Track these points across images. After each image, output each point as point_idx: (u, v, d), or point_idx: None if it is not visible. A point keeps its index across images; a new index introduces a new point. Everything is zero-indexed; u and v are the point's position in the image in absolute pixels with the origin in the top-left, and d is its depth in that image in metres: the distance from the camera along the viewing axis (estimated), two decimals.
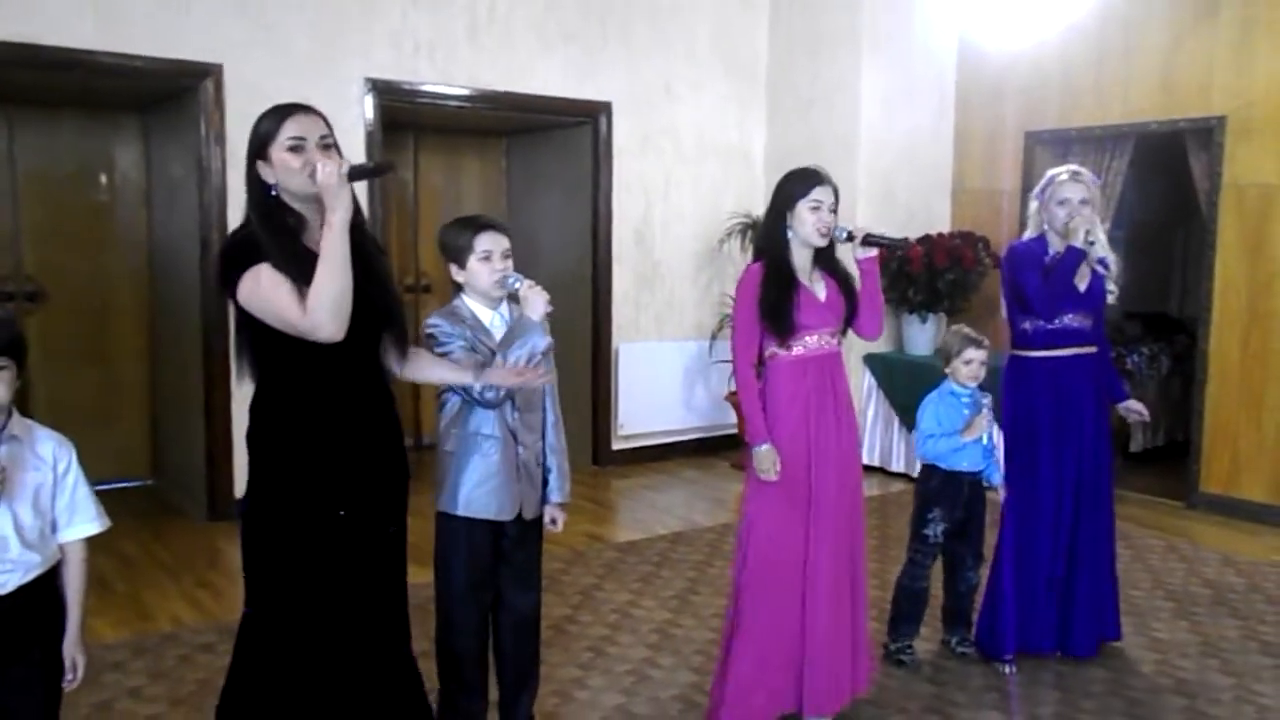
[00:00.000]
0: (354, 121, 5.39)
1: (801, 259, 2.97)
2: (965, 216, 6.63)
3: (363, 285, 2.19)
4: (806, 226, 2.90)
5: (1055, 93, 6.17)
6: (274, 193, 2.17)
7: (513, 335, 2.60)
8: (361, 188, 5.41)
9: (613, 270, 6.40)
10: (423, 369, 2.50)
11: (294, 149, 2.14)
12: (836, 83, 6.42)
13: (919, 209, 6.55)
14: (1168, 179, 6.90)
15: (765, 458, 2.90)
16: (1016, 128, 6.35)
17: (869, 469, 6.37)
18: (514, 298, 2.70)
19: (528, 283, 2.62)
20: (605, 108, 6.24)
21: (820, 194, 2.90)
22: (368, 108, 5.43)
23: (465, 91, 5.74)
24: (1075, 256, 3.39)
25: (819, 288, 2.98)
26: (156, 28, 4.81)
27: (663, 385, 6.49)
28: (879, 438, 6.37)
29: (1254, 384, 5.40)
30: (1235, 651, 3.69)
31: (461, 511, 2.68)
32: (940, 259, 6.09)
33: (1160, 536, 5.11)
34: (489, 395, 2.58)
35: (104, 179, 5.89)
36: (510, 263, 2.68)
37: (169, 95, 5.26)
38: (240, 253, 2.13)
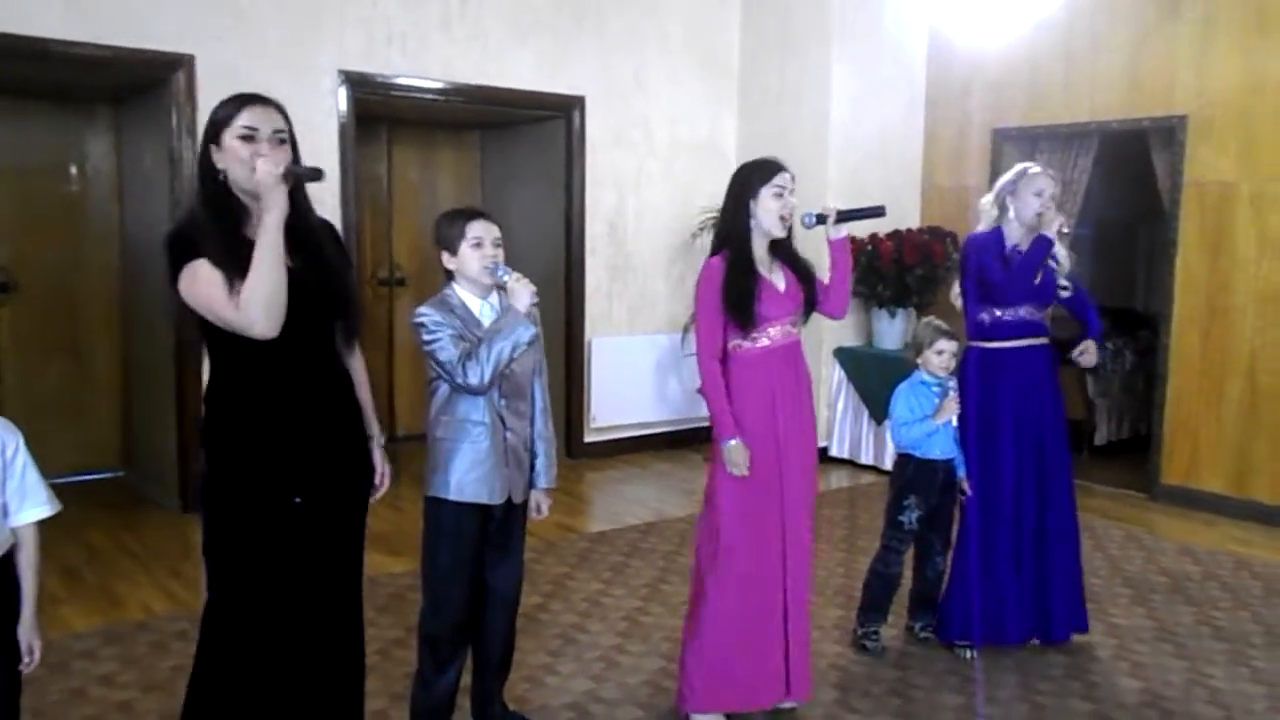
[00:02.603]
0: (327, 114, 5.40)
1: (760, 250, 2.99)
2: (934, 213, 6.71)
3: (308, 272, 2.22)
4: (770, 214, 2.92)
5: (1022, 90, 6.26)
6: (223, 179, 2.19)
7: (498, 327, 2.64)
8: (334, 181, 5.43)
9: (586, 263, 6.45)
10: (358, 380, 2.47)
11: (245, 138, 2.15)
12: (807, 78, 6.49)
13: (888, 204, 6.50)
14: (1132, 177, 6.99)
15: (736, 452, 2.90)
16: (984, 125, 6.44)
17: (839, 461, 6.45)
18: (502, 288, 2.73)
19: (515, 275, 2.66)
20: (578, 102, 6.28)
21: (783, 180, 2.94)
22: (341, 100, 5.43)
23: (438, 84, 5.76)
24: (1045, 245, 3.48)
25: (778, 278, 3.00)
26: (126, 17, 4.80)
27: (635, 378, 6.54)
28: (848, 430, 6.45)
29: (1214, 378, 5.52)
30: (1189, 637, 3.79)
31: (453, 496, 2.72)
32: (910, 255, 6.17)
33: (1121, 527, 5.22)
34: (473, 381, 2.61)
35: (75, 171, 5.86)
36: (501, 252, 2.73)
37: (141, 86, 5.24)
38: (179, 247, 2.15)
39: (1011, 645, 3.62)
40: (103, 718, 3.05)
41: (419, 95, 5.76)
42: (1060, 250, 3.64)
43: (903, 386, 3.64)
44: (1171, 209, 5.66)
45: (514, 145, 6.83)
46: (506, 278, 2.65)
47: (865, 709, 3.19)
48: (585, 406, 6.50)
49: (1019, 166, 3.70)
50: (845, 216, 3.06)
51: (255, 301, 2.06)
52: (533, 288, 2.65)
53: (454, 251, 2.72)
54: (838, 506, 5.52)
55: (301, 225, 2.27)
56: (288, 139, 2.21)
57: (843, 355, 6.44)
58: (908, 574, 3.71)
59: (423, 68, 5.70)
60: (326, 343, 2.34)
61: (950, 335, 3.58)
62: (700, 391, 3.07)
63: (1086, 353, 3.71)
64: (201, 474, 2.30)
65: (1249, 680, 3.43)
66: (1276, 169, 5.24)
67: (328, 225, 2.40)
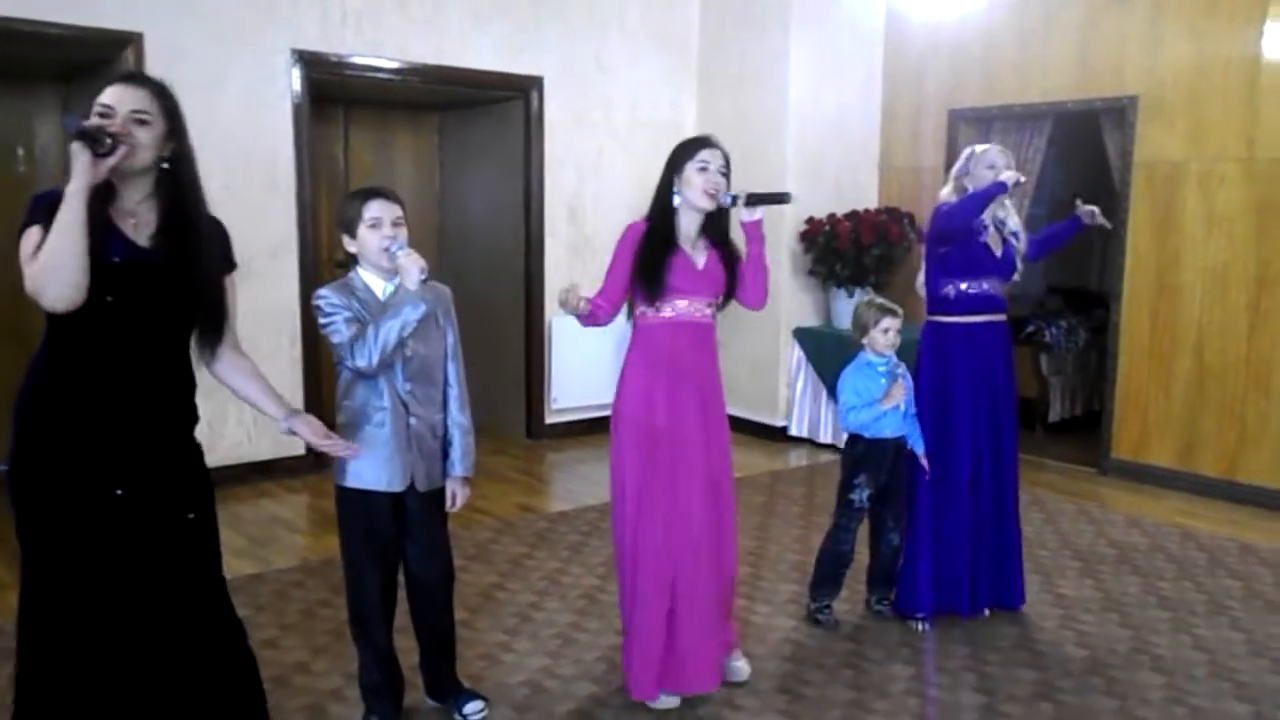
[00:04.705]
0: (281, 94, 5.34)
1: (688, 224, 2.99)
2: (891, 193, 6.77)
3: (168, 262, 2.15)
4: (694, 189, 2.92)
5: (977, 71, 6.31)
6: None
7: (386, 307, 2.58)
8: (289, 162, 5.38)
9: (545, 245, 6.43)
10: (237, 379, 2.37)
11: (101, 115, 2.09)
12: (766, 58, 6.50)
13: (847, 185, 6.67)
14: (1085, 157, 7.10)
15: (566, 295, 2.77)
16: (940, 105, 6.49)
17: (798, 440, 6.50)
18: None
19: (406, 250, 2.58)
20: (537, 82, 6.25)
21: (707, 155, 2.93)
22: (295, 80, 5.37)
23: (395, 64, 5.71)
24: (998, 186, 3.51)
25: (699, 256, 2.99)
26: None
27: (595, 359, 6.53)
28: (807, 410, 6.50)
29: (1163, 355, 5.62)
30: (1135, 606, 3.88)
31: (350, 483, 2.69)
32: (866, 235, 6.22)
33: (1073, 501, 5.31)
34: (360, 363, 2.57)
35: (22, 152, 5.74)
36: (403, 231, 2.65)
37: (88, 65, 5.15)
38: (28, 209, 2.11)
39: (965, 617, 3.68)
40: None
41: (375, 75, 5.70)
42: (1020, 231, 3.75)
43: (849, 369, 3.66)
44: (1122, 188, 5.74)
45: (473, 126, 6.79)
46: (399, 253, 2.57)
47: (818, 680, 3.24)
48: (545, 388, 6.51)
49: (966, 150, 3.78)
50: (754, 200, 2.99)
51: (43, 268, 2.01)
52: (422, 262, 2.56)
53: (353, 234, 2.65)
54: (795, 484, 5.58)
55: (178, 212, 2.18)
56: (152, 120, 2.13)
57: (801, 335, 6.49)
58: (862, 550, 3.76)
59: (378, 47, 5.64)
60: (173, 336, 2.23)
61: (894, 312, 3.60)
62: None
63: (1095, 214, 3.84)
64: (10, 452, 2.15)
65: (1191, 647, 3.52)
66: (1224, 149, 5.33)
67: (215, 224, 2.30)
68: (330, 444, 2.46)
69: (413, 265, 2.54)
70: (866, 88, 6.76)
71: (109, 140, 2.03)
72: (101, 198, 2.09)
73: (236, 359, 2.37)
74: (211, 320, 2.28)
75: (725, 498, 3.07)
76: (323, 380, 5.74)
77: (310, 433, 2.41)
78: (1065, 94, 5.92)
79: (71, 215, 2.01)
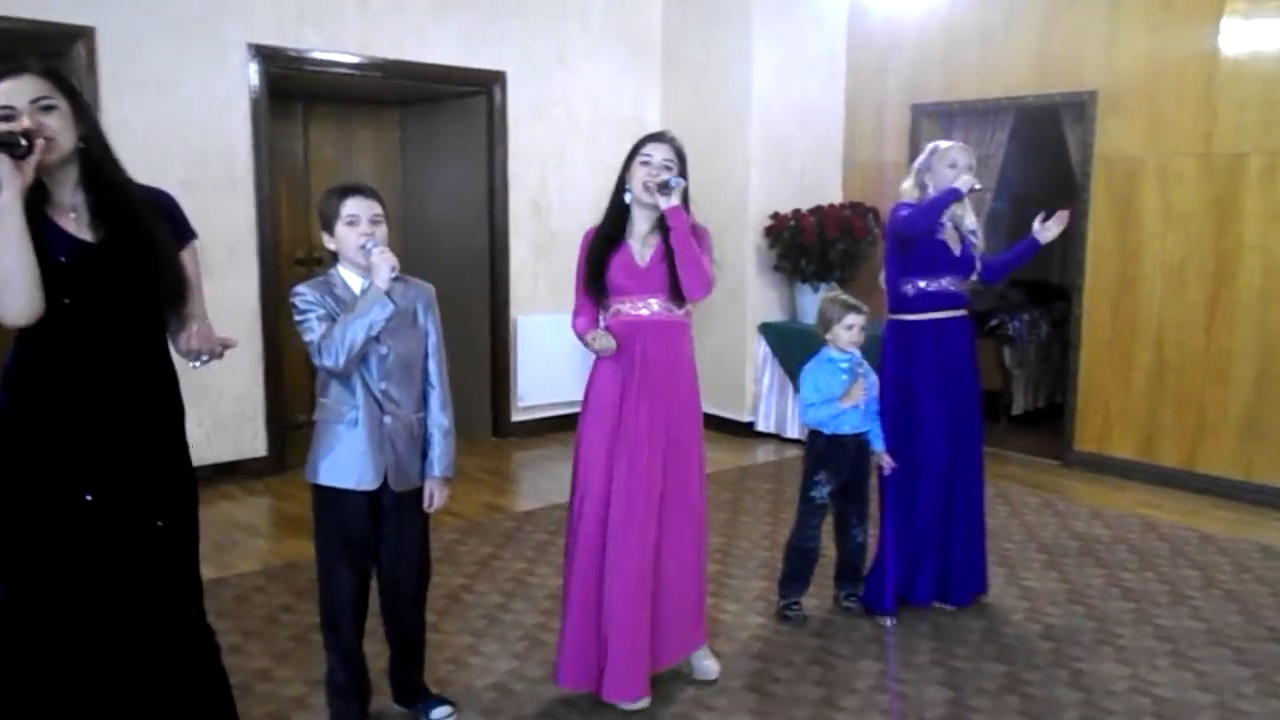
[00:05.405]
0: (237, 89, 5.24)
1: (641, 221, 2.97)
2: (855, 187, 6.79)
3: (117, 247, 2.08)
4: (636, 182, 2.91)
5: (939, 66, 6.34)
6: None
7: (354, 307, 2.56)
8: (247, 159, 5.29)
9: (510, 241, 6.38)
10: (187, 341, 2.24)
11: (4, 118, 1.98)
12: (729, 53, 6.49)
13: (812, 180, 6.68)
14: (1046, 152, 7.16)
15: (596, 339, 2.87)
16: (902, 100, 6.52)
17: (764, 435, 6.51)
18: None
19: (379, 248, 2.55)
20: (499, 77, 6.19)
21: (650, 149, 2.91)
22: (252, 75, 5.28)
23: (355, 59, 5.63)
24: (952, 193, 3.55)
25: (647, 252, 2.95)
26: None
27: (561, 356, 6.49)
28: (774, 405, 6.51)
29: (1123, 347, 5.69)
30: (1099, 598, 3.92)
31: (322, 480, 2.66)
32: (831, 230, 6.23)
33: (1036, 493, 5.36)
34: (328, 363, 2.55)
35: None
36: (381, 229, 2.62)
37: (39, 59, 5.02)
38: None
39: (926, 605, 3.73)
40: None
41: (334, 70, 5.62)
42: (979, 230, 3.78)
43: (810, 365, 3.65)
44: (1083, 183, 5.80)
45: (435, 122, 6.72)
46: (373, 251, 2.55)
47: (787, 678, 3.23)
48: (512, 386, 6.46)
49: (930, 145, 3.80)
50: (660, 188, 2.88)
51: None
52: (394, 260, 2.54)
53: (331, 231, 2.63)
54: (763, 480, 5.58)
55: (105, 193, 2.10)
56: (56, 102, 2.03)
57: (767, 330, 6.49)
58: (831, 545, 3.77)
59: (338, 42, 5.56)
60: (144, 324, 2.16)
61: (858, 309, 3.61)
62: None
63: (1055, 222, 3.81)
64: None
65: (1153, 638, 3.56)
66: (1181, 144, 5.39)
67: (154, 196, 2.20)
68: (219, 341, 2.25)
69: (384, 264, 2.53)
70: (830, 82, 6.77)
71: (23, 140, 1.95)
72: (35, 199, 2.02)
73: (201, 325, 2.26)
74: (171, 296, 2.17)
75: (687, 501, 3.02)
76: (284, 379, 5.67)
77: (203, 347, 2.23)
78: (1026, 89, 5.96)
79: (10, 225, 1.94)
